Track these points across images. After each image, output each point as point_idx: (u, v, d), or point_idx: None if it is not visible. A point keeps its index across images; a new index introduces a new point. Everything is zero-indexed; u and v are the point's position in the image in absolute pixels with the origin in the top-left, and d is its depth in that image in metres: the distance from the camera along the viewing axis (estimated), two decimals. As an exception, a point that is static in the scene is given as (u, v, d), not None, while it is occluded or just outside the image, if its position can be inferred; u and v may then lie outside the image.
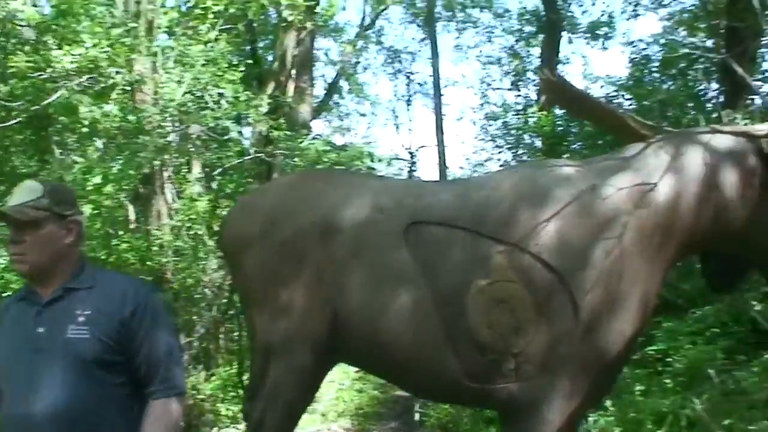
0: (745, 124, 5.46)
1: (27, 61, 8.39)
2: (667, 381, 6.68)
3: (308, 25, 12.26)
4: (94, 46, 7.98)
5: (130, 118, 8.20)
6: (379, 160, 11.83)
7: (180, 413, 2.85)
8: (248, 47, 14.07)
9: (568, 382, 3.77)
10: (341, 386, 9.05)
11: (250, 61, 10.42)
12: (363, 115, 23.09)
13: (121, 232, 8.33)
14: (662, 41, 12.43)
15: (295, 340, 4.21)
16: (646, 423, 6.03)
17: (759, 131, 4.05)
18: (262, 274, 4.39)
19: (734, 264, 4.35)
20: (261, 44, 15.34)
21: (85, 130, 9.42)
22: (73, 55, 7.93)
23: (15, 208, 2.73)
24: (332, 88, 18.89)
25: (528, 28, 19.98)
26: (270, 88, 12.23)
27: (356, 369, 7.54)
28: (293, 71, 12.72)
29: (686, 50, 9.90)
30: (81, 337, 2.68)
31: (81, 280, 2.82)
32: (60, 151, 10.89)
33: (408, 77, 25.04)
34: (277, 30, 13.35)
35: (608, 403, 6.43)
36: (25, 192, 2.78)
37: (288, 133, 9.84)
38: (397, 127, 25.66)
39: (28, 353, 2.70)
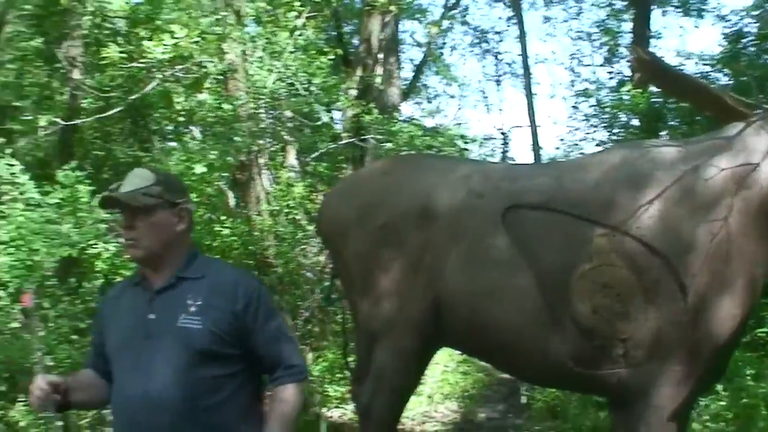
0: None
1: (120, 52, 8.65)
2: (779, 365, 6.49)
3: (393, 8, 12.27)
4: (187, 36, 8.16)
5: (225, 106, 8.37)
6: (473, 141, 11.72)
7: (302, 396, 2.90)
8: (334, 32, 14.19)
9: (678, 367, 3.74)
10: (446, 368, 9.08)
11: (339, 51, 10.44)
12: (452, 96, 22.92)
13: (223, 218, 8.52)
14: (756, 13, 11.99)
15: (398, 325, 4.28)
16: (760, 408, 5.90)
17: None
18: (361, 260, 4.47)
19: None
20: (345, 29, 15.41)
21: (181, 119, 9.70)
22: (165, 45, 8.12)
23: (128, 195, 2.75)
24: (420, 70, 18.85)
25: (618, 2, 19.49)
26: (357, 72, 12.31)
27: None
28: (380, 55, 12.77)
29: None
30: (192, 327, 2.69)
31: (192, 269, 2.83)
32: (159, 139, 11.24)
33: (496, 57, 24.72)
34: (362, 14, 13.40)
35: (720, 387, 6.30)
36: (137, 179, 2.80)
37: (380, 116, 9.89)
38: (488, 108, 25.33)
39: (138, 338, 2.72)
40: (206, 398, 2.69)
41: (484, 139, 14.24)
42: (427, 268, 4.22)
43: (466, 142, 10.98)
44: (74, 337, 6.80)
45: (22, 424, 6.58)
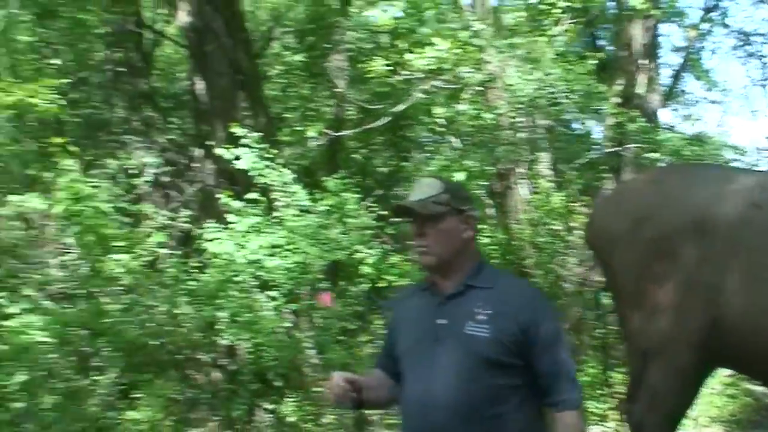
0: None
1: (386, 65, 8.95)
2: None
3: (655, 12, 11.84)
4: (449, 49, 8.31)
5: (486, 116, 8.43)
6: (744, 152, 10.98)
7: (583, 421, 2.85)
8: (589, 39, 13.93)
9: None
10: (713, 391, 8.70)
11: (600, 54, 10.19)
12: (713, 102, 21.89)
13: (483, 227, 8.60)
14: None
15: (673, 342, 4.12)
16: None
17: None
18: (633, 273, 4.34)
19: None
20: (599, 35, 15.12)
21: (440, 129, 9.91)
22: (427, 57, 8.31)
23: (419, 203, 2.81)
24: (678, 76, 18.13)
25: None
26: (618, 79, 11.98)
27: (727, 373, 7.17)
28: (641, 61, 12.36)
29: None
30: (480, 335, 2.70)
31: (481, 278, 2.85)
32: (417, 149, 11.55)
33: (761, 60, 23.25)
34: (618, 20, 13.05)
35: None
36: (426, 188, 2.86)
37: (644, 125, 9.58)
38: (753, 114, 23.98)
39: (428, 342, 2.78)
40: (489, 406, 2.70)
41: (756, 151, 13.22)
42: (704, 283, 4.03)
43: (738, 153, 10.34)
44: (342, 338, 7.10)
45: (291, 419, 6.96)
